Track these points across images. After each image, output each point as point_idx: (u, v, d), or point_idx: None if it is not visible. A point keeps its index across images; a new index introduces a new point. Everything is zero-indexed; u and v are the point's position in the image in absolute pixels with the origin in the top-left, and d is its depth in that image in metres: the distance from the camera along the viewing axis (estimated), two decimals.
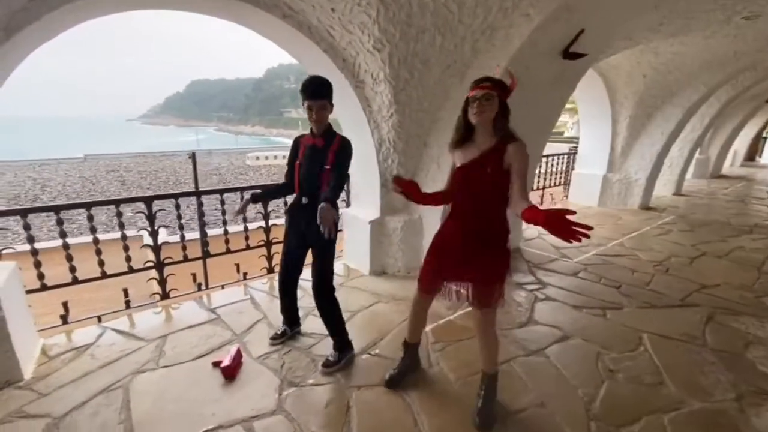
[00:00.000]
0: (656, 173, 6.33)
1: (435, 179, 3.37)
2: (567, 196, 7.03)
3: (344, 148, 2.17)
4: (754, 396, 2.05)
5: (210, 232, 3.60)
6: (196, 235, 3.49)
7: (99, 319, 2.82)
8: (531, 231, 5.04)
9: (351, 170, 3.58)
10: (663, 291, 3.34)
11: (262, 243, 3.52)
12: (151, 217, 2.88)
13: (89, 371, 2.23)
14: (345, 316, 2.76)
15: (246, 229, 3.43)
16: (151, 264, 2.99)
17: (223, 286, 3.38)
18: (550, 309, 3.01)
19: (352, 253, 3.78)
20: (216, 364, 2.24)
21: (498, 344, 1.92)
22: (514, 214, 1.75)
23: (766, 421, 1.88)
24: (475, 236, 1.84)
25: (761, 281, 3.56)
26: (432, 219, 3.46)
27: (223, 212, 3.30)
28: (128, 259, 2.90)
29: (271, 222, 3.52)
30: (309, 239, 2.22)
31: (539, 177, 6.47)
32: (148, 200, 2.86)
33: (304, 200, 2.22)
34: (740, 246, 4.59)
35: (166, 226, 3.22)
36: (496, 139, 1.74)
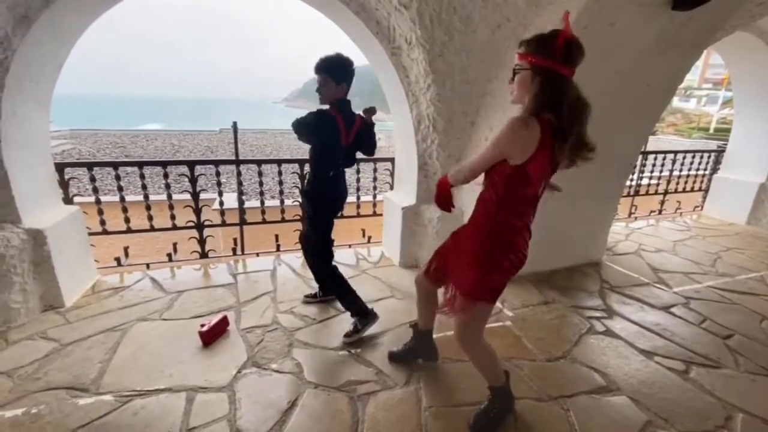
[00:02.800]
0: None
1: None
2: (702, 207, 5.42)
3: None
4: None
5: (269, 203, 3.68)
6: (275, 203, 3.59)
7: (148, 266, 3.17)
8: (626, 244, 4.01)
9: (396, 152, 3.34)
10: None
11: (298, 217, 3.51)
12: (192, 180, 3.08)
13: (110, 310, 2.50)
14: None
15: (282, 202, 3.45)
16: (192, 224, 3.22)
17: (258, 254, 3.49)
18: (603, 347, 2.29)
19: (388, 240, 3.52)
20: (202, 327, 2.28)
21: (489, 356, 1.64)
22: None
23: None
24: (463, 232, 1.60)
25: None
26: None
27: (260, 183, 3.36)
28: (173, 217, 3.17)
29: None
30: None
31: (655, 179, 5.14)
32: (191, 164, 3.06)
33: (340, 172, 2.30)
34: None
35: (243, 193, 3.43)
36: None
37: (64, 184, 2.78)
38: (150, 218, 3.12)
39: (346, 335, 2.25)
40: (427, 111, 2.80)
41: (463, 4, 2.26)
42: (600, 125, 2.72)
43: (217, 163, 3.17)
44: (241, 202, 3.37)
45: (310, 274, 3.06)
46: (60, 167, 2.74)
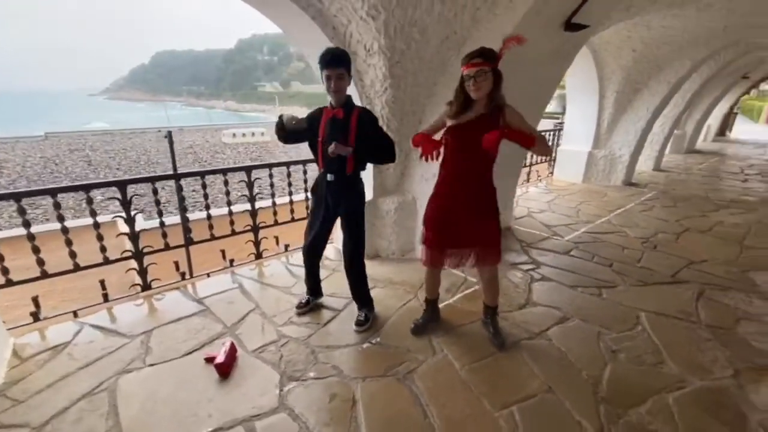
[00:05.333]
0: (640, 149, 6.40)
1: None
2: (552, 173, 7.06)
3: (367, 116, 2.20)
4: (750, 372, 2.10)
5: (190, 216, 3.36)
6: (178, 219, 3.23)
7: (75, 314, 2.61)
8: (520, 210, 5.03)
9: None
10: (654, 268, 3.39)
11: (249, 228, 3.34)
12: (126, 203, 2.64)
13: (68, 373, 2.05)
14: (341, 302, 2.72)
15: (230, 213, 3.22)
16: (129, 254, 2.76)
17: (209, 275, 3.19)
18: (546, 289, 3.00)
19: None
20: (209, 360, 2.11)
21: (499, 284, 2.36)
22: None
23: (764, 397, 1.93)
24: (473, 200, 2.05)
25: (744, 256, 3.67)
26: (426, 200, 3.34)
27: (206, 196, 3.07)
28: (103, 249, 2.66)
29: (257, 205, 3.32)
30: (339, 214, 2.35)
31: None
32: (122, 184, 2.61)
33: (330, 177, 2.26)
34: (720, 221, 4.72)
35: (141, 211, 2.99)
36: (490, 107, 1.91)
37: None
38: (73, 255, 2.56)
39: (359, 324, 2.42)
40: (382, 112, 3.02)
41: (422, 18, 2.54)
42: None
43: (154, 179, 2.77)
44: (185, 219, 3.03)
45: (280, 283, 3.02)
46: None
